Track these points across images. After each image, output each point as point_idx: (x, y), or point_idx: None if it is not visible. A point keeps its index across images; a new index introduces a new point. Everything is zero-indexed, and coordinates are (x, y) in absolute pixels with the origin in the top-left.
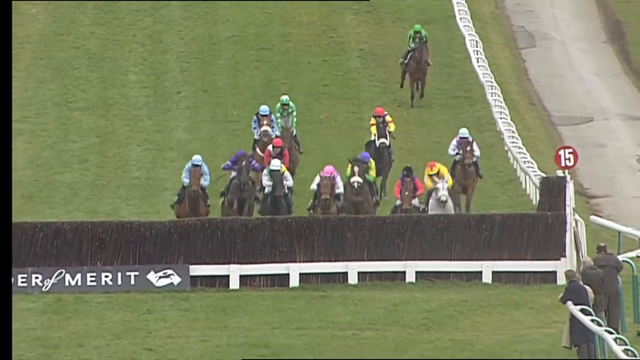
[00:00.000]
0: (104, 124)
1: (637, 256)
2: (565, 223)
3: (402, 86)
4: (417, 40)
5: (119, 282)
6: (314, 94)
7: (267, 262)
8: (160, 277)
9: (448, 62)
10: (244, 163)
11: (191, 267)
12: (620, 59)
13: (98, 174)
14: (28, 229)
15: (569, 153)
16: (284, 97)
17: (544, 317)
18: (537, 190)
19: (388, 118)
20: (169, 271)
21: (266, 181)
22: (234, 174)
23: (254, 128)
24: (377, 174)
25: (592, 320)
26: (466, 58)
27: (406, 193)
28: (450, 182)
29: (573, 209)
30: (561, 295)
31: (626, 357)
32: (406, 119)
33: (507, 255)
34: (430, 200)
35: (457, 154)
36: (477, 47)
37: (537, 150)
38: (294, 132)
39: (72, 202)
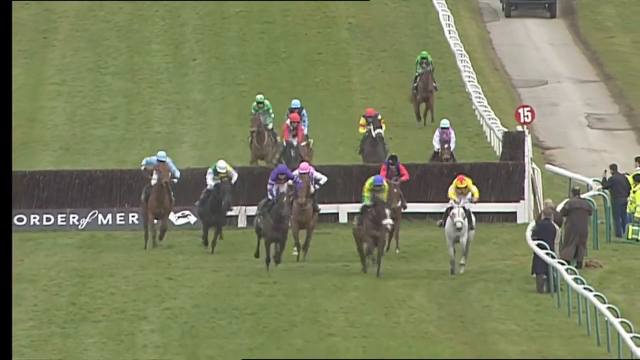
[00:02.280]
0: (131, 86)
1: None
2: (524, 171)
3: (418, 118)
4: (425, 65)
5: (144, 222)
6: (310, 60)
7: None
8: (179, 217)
9: (424, 33)
10: (284, 199)
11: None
12: (570, 31)
13: (126, 129)
14: (66, 176)
15: (527, 111)
16: (259, 96)
17: (506, 251)
18: (500, 143)
19: (380, 116)
20: (187, 212)
21: (210, 180)
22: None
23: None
24: (373, 161)
25: (547, 254)
26: (439, 30)
27: (395, 190)
28: (477, 194)
29: (531, 158)
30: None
31: (575, 285)
32: (388, 82)
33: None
34: (448, 220)
35: (438, 149)
36: (448, 20)
37: (500, 109)
38: (272, 127)
39: (103, 153)
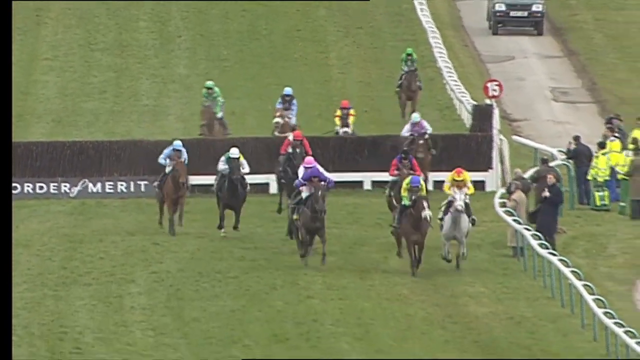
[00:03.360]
0: (119, 61)
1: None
2: (492, 142)
3: (403, 115)
4: (409, 62)
5: (132, 190)
6: (289, 37)
7: (251, 173)
8: None
9: (398, 11)
10: (319, 192)
11: (190, 177)
12: None
13: (115, 102)
14: (58, 146)
15: (495, 85)
16: (209, 82)
17: (482, 215)
18: (470, 115)
19: (352, 112)
20: None
21: (222, 166)
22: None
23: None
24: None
25: (514, 220)
26: (413, 8)
27: (404, 171)
28: (472, 190)
29: (498, 130)
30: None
31: (541, 249)
32: (364, 58)
33: (445, 167)
34: (447, 215)
35: (410, 134)
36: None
37: (469, 83)
38: (221, 116)
39: (93, 125)
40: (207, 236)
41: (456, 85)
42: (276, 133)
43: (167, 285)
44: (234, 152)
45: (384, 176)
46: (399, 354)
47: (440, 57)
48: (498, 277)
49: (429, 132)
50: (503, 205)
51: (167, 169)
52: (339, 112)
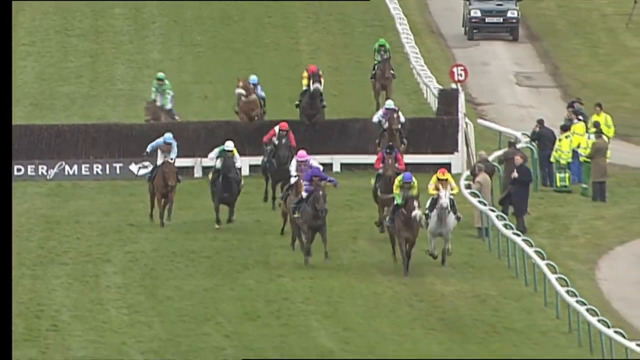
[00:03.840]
0: (95, 47)
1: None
2: (458, 125)
3: (377, 105)
4: (382, 53)
5: (107, 172)
6: (261, 23)
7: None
8: (140, 168)
9: None
10: (321, 192)
11: None
12: None
13: (90, 86)
14: (35, 130)
15: (461, 70)
16: (160, 74)
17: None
18: (436, 99)
19: (320, 73)
20: (147, 163)
21: (214, 157)
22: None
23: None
24: (310, 120)
25: (480, 202)
26: None
27: (389, 161)
28: (456, 189)
29: (464, 114)
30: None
31: (505, 230)
32: (332, 44)
33: (412, 150)
34: (433, 212)
35: (384, 121)
36: None
37: (435, 68)
38: (170, 108)
39: (70, 108)
40: (180, 217)
41: (423, 70)
42: (242, 99)
43: (142, 265)
44: (229, 145)
45: (353, 158)
46: (366, 331)
47: (408, 42)
48: (464, 257)
49: (402, 121)
50: (468, 187)
51: (159, 161)
52: (305, 74)
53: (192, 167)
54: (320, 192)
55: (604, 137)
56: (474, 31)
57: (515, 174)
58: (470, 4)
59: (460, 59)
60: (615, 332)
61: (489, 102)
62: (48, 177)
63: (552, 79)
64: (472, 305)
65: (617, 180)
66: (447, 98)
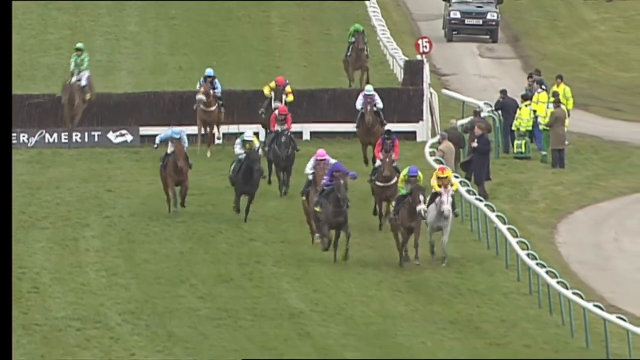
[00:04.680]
0: (75, 19)
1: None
2: (423, 95)
3: (350, 84)
4: (357, 37)
5: (86, 140)
6: None
7: (184, 125)
8: (117, 136)
9: None
10: (342, 181)
11: (141, 128)
12: None
13: (70, 57)
14: (17, 99)
15: (426, 42)
16: (79, 44)
17: (407, 165)
18: (402, 70)
19: (288, 89)
20: (124, 131)
21: (238, 149)
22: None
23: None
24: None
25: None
26: None
27: (387, 159)
28: (456, 186)
29: (429, 84)
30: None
31: (468, 195)
32: (303, 16)
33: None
34: (432, 205)
35: (362, 108)
36: None
37: (401, 40)
38: (84, 85)
39: (50, 79)
40: (156, 183)
41: (389, 42)
42: (201, 106)
43: (119, 229)
44: (248, 134)
45: (322, 127)
46: (335, 293)
47: (374, 15)
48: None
49: (379, 106)
50: (433, 154)
51: (169, 150)
52: (273, 84)
53: None
54: (342, 181)
55: (562, 107)
56: (453, 32)
57: (474, 144)
58: (450, 6)
59: (425, 32)
60: (574, 293)
61: (453, 73)
62: (29, 145)
63: (513, 51)
64: (436, 268)
65: (575, 148)
66: (412, 69)
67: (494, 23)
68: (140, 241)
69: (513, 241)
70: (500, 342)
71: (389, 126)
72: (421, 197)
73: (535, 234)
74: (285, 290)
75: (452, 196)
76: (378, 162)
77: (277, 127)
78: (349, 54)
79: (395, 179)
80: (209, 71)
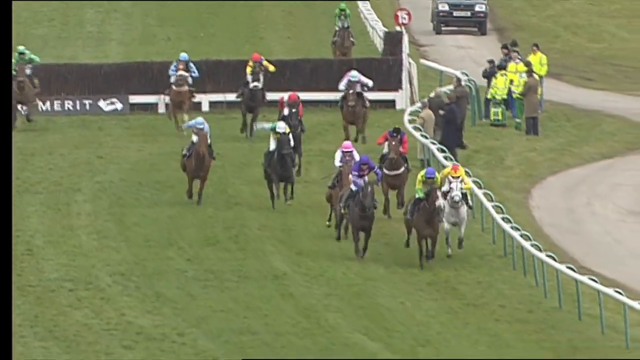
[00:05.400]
0: None
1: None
2: (402, 65)
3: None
4: (343, 17)
5: (78, 108)
6: None
7: (153, 93)
8: (108, 104)
9: None
10: (370, 189)
11: (130, 96)
12: None
13: (62, 29)
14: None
15: (405, 14)
16: (20, 47)
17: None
18: (382, 41)
19: (265, 62)
20: (114, 100)
21: (272, 140)
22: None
23: (172, 71)
24: (250, 111)
25: (422, 136)
26: None
27: (393, 143)
28: (468, 185)
29: (408, 54)
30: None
31: (445, 161)
32: None
33: (359, 89)
34: (444, 201)
35: (346, 89)
36: None
37: (381, 12)
38: (29, 73)
39: (43, 50)
40: (146, 149)
41: (370, 14)
42: (174, 87)
43: (110, 194)
44: (281, 126)
45: (305, 96)
46: (318, 256)
47: None
48: (408, 187)
49: (369, 85)
50: (412, 122)
51: (194, 138)
52: (251, 64)
53: (157, 104)
54: (370, 189)
55: (535, 76)
56: (442, 25)
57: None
58: None
59: (404, 4)
60: (547, 255)
61: (431, 44)
62: (23, 113)
63: (489, 22)
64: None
65: (549, 116)
66: (392, 40)
67: (482, 15)
68: (130, 205)
69: (489, 205)
70: (476, 303)
71: (370, 95)
72: (438, 194)
73: (510, 198)
74: (269, 252)
75: (465, 194)
76: (386, 149)
77: (285, 111)
78: (335, 39)
79: (403, 168)
80: (184, 55)
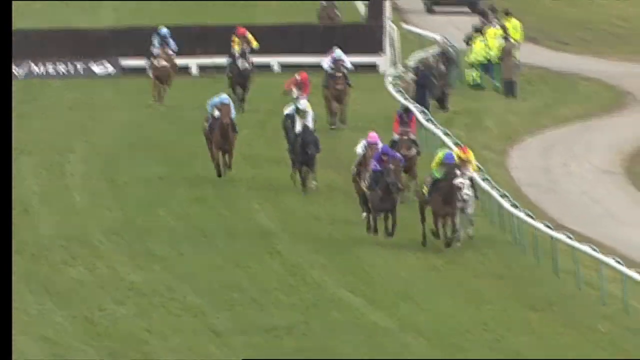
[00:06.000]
0: None
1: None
2: (384, 29)
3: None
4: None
5: (72, 71)
6: None
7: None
8: (99, 68)
9: None
10: (391, 166)
11: (122, 60)
12: None
13: None
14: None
15: None
16: None
17: (370, 94)
18: (365, 8)
19: (249, 36)
20: (106, 63)
21: (297, 124)
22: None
23: (154, 46)
24: (241, 87)
25: (404, 99)
26: None
27: (404, 137)
28: (475, 167)
29: (390, 19)
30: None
31: (426, 123)
32: None
33: (346, 52)
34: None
35: (331, 67)
36: None
37: None
38: None
39: (38, 16)
40: (136, 110)
41: None
42: (154, 62)
43: (103, 155)
44: (302, 103)
45: (290, 59)
46: (303, 215)
47: None
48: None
49: (348, 67)
50: (394, 84)
51: (216, 113)
52: (236, 39)
53: (144, 68)
54: (392, 166)
55: (511, 40)
56: (434, 6)
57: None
58: None
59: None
60: (525, 214)
61: (414, 10)
62: (19, 77)
63: None
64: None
65: (526, 79)
66: (375, 5)
67: None
68: (122, 166)
69: (470, 167)
70: (456, 261)
71: (354, 58)
72: (458, 172)
73: (489, 159)
74: (257, 211)
75: (471, 179)
76: (396, 137)
77: (294, 91)
78: (321, 12)
79: (414, 150)
80: (163, 30)
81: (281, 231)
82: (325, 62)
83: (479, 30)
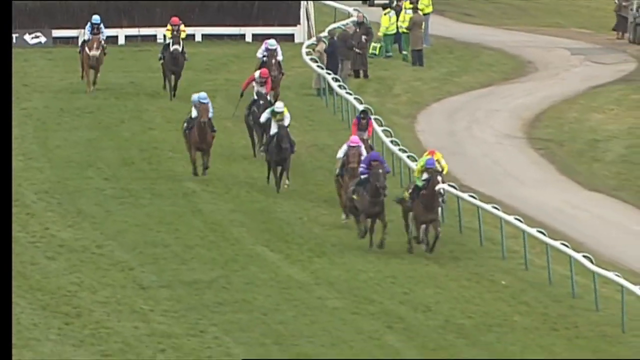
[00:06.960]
0: None
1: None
2: (300, 2)
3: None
4: None
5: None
6: None
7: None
8: (32, 38)
9: None
10: (380, 170)
11: (53, 31)
12: None
13: None
14: None
15: None
16: None
17: (286, 64)
18: None
19: (182, 27)
20: (39, 34)
21: (272, 126)
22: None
23: (87, 31)
24: (173, 74)
25: (319, 67)
26: None
27: (363, 133)
28: (446, 169)
29: None
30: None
31: (339, 90)
32: None
33: (262, 23)
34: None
35: (264, 56)
36: None
37: None
38: None
39: None
40: (66, 79)
41: None
42: (86, 50)
43: (35, 119)
44: (279, 106)
45: (212, 30)
46: (225, 175)
47: None
48: (305, 112)
49: (279, 58)
50: (309, 54)
51: (194, 113)
52: (169, 27)
53: (77, 37)
54: (381, 170)
55: (419, 12)
56: None
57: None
58: None
59: None
60: None
61: None
62: None
63: None
64: (312, 153)
65: (433, 49)
66: None
67: None
68: (53, 130)
69: (379, 129)
70: None
71: (270, 29)
72: (439, 178)
73: (398, 123)
74: (180, 173)
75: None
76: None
77: (255, 87)
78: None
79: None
80: (96, 18)
81: (203, 191)
82: (260, 51)
83: (386, 6)
